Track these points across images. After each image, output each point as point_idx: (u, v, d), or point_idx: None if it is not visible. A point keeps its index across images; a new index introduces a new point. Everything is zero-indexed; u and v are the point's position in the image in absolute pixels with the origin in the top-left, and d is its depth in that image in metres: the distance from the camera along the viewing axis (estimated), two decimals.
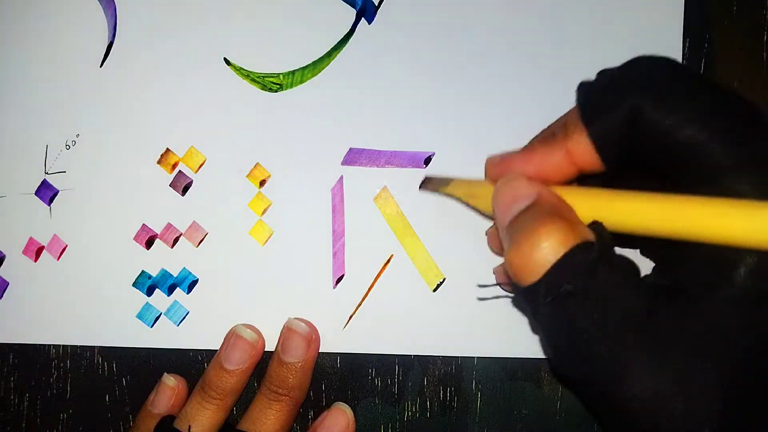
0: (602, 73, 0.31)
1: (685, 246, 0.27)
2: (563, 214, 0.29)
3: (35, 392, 0.45)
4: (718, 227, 0.26)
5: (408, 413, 0.42)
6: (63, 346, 0.44)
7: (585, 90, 0.31)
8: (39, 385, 0.44)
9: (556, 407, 0.41)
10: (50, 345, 0.44)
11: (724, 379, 0.25)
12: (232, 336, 0.41)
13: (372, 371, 0.42)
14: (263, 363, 0.42)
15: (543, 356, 0.40)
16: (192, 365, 0.43)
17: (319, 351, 0.42)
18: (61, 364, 0.44)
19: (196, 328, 0.42)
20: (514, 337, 0.40)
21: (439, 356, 0.41)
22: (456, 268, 0.41)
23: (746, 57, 0.39)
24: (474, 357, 0.41)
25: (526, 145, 0.33)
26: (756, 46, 0.39)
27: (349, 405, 0.42)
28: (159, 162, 0.42)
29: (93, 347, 0.44)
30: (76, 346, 0.44)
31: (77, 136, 0.43)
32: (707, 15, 0.39)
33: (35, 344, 0.44)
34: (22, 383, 0.45)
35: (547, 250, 0.27)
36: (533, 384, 0.41)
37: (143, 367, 0.43)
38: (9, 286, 0.44)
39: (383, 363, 0.42)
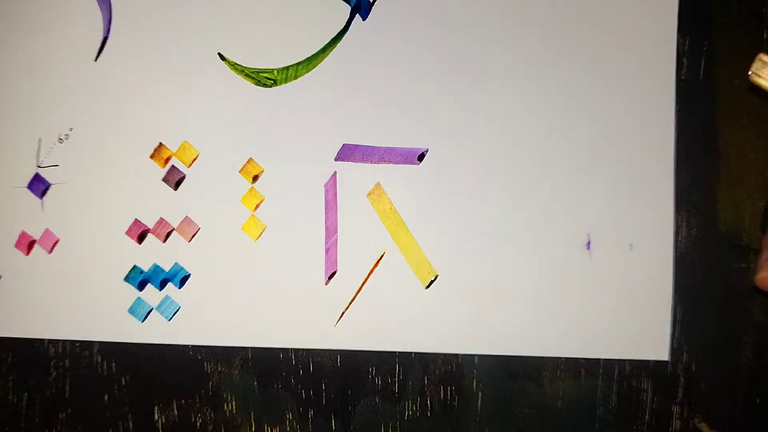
0: None
1: None
2: None
3: (34, 391, 0.45)
4: None
5: (408, 412, 0.42)
6: (62, 345, 0.44)
7: None
8: (38, 384, 0.45)
9: (557, 406, 0.41)
10: (49, 344, 0.44)
11: None
12: None
13: (372, 370, 0.42)
14: (263, 361, 0.42)
15: (544, 354, 0.40)
16: (191, 363, 0.43)
17: (312, 347, 0.42)
18: (60, 364, 0.44)
19: (188, 323, 0.42)
20: (511, 335, 0.40)
21: (439, 355, 0.41)
22: (449, 265, 0.40)
23: (746, 55, 0.39)
24: (475, 356, 0.41)
25: None
26: (756, 45, 0.39)
27: (349, 403, 0.42)
28: (152, 156, 0.42)
29: (92, 346, 0.44)
30: (75, 345, 0.44)
31: (70, 129, 0.43)
32: (707, 14, 0.39)
33: (34, 343, 0.44)
34: (21, 382, 0.45)
35: None
36: (534, 383, 0.41)
37: (142, 366, 0.43)
38: (0, 279, 0.44)
39: (383, 361, 0.42)
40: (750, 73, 0.32)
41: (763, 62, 0.32)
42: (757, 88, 0.32)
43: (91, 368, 0.44)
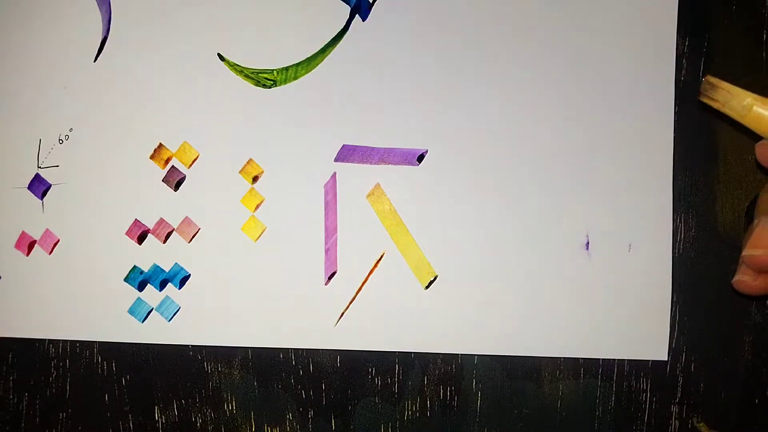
0: None
1: None
2: None
3: (34, 391, 0.45)
4: None
5: (408, 412, 0.42)
6: (62, 345, 0.44)
7: None
8: (38, 384, 0.45)
9: (556, 406, 0.41)
10: (49, 344, 0.44)
11: None
12: None
13: (372, 370, 0.42)
14: (263, 361, 0.42)
15: (543, 355, 0.40)
16: (191, 363, 0.43)
17: (312, 347, 0.42)
18: (61, 364, 0.44)
19: (188, 323, 0.42)
20: (511, 335, 0.40)
21: (439, 355, 0.41)
22: (448, 265, 0.40)
23: (746, 56, 0.39)
24: (474, 356, 0.41)
25: None
26: (755, 45, 0.39)
27: (349, 404, 0.42)
28: (152, 157, 0.42)
29: (92, 346, 0.44)
30: (75, 345, 0.44)
31: (70, 130, 0.43)
32: (706, 14, 0.39)
33: (34, 344, 0.44)
34: (21, 382, 0.45)
35: None
36: (534, 383, 0.41)
37: (142, 366, 0.43)
38: (0, 280, 0.44)
39: (383, 362, 0.42)
40: (699, 95, 0.32)
41: (711, 84, 0.32)
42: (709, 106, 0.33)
43: (91, 368, 0.44)
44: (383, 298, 0.41)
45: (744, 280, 0.33)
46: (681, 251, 0.39)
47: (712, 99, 0.32)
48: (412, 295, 0.41)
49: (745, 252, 0.32)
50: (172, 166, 0.42)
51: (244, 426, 0.43)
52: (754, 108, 0.31)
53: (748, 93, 0.31)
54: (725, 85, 0.32)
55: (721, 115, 0.32)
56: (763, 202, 0.33)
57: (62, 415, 0.44)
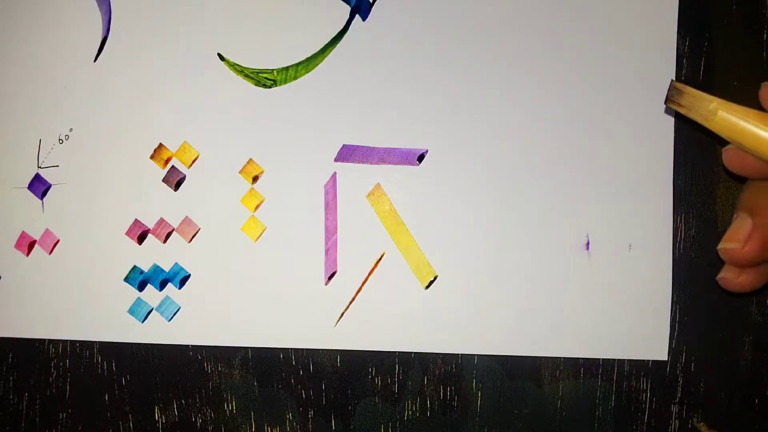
0: None
1: None
2: None
3: (34, 391, 0.45)
4: None
5: (408, 412, 0.42)
6: (62, 345, 0.44)
7: None
8: (38, 384, 0.45)
9: (556, 406, 0.41)
10: (49, 344, 0.44)
11: None
12: None
13: (372, 370, 0.42)
14: (263, 361, 0.42)
15: (543, 355, 0.40)
16: (191, 363, 0.43)
17: (312, 347, 0.42)
18: (61, 364, 0.44)
19: (188, 323, 0.42)
20: (511, 335, 0.40)
21: (439, 355, 0.41)
22: (448, 265, 0.40)
23: (746, 56, 0.39)
24: (474, 356, 0.41)
25: None
26: (756, 45, 0.39)
27: (349, 404, 0.42)
28: (152, 157, 0.42)
29: (92, 346, 0.44)
30: (75, 345, 0.44)
31: (70, 130, 0.43)
32: (707, 14, 0.39)
33: (34, 344, 0.44)
34: (21, 382, 0.45)
35: None
36: (534, 383, 0.41)
37: (142, 366, 0.43)
38: (0, 280, 0.44)
39: (383, 362, 0.42)
40: (666, 100, 0.32)
41: (677, 89, 0.32)
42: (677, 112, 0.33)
43: (91, 368, 0.44)
44: (383, 298, 0.41)
45: (727, 276, 0.33)
46: (681, 251, 0.39)
47: (679, 104, 0.32)
48: (412, 295, 0.41)
49: (720, 245, 0.32)
50: (172, 166, 0.42)
51: (244, 426, 0.43)
52: (719, 112, 0.31)
53: (713, 98, 0.31)
54: (690, 90, 0.32)
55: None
56: (743, 199, 0.33)
57: (62, 415, 0.44)
